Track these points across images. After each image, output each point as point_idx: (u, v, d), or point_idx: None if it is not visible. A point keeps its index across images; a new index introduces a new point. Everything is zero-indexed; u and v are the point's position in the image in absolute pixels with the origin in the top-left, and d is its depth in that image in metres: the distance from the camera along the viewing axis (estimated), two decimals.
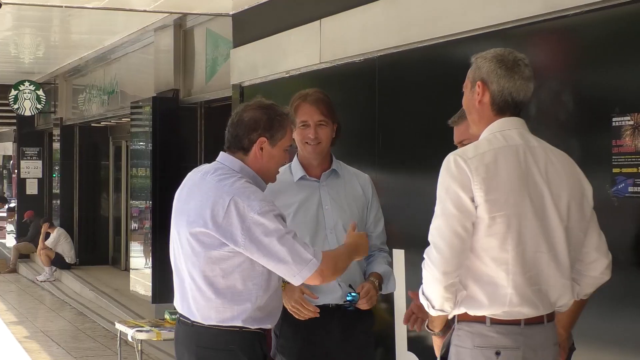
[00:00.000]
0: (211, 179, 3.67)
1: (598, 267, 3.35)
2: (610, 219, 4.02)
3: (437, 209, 3.17)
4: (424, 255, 3.16)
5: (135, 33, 12.83)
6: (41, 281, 16.80)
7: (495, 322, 3.19)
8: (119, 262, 17.04)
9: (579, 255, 3.34)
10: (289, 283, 3.93)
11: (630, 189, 4.32)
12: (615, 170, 4.40)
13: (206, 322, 3.68)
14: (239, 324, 3.65)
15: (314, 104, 4.26)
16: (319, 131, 4.25)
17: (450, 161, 3.16)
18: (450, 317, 3.32)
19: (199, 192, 3.67)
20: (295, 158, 4.35)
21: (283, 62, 8.03)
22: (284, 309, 4.08)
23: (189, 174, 3.84)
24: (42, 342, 11.04)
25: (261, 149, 3.68)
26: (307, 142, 4.27)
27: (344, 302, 4.19)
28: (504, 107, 3.25)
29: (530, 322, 3.20)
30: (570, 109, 4.75)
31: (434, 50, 5.92)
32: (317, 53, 7.37)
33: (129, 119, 13.38)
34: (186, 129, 11.42)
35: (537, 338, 3.22)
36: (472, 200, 3.11)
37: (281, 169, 4.27)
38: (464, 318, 3.24)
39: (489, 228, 3.12)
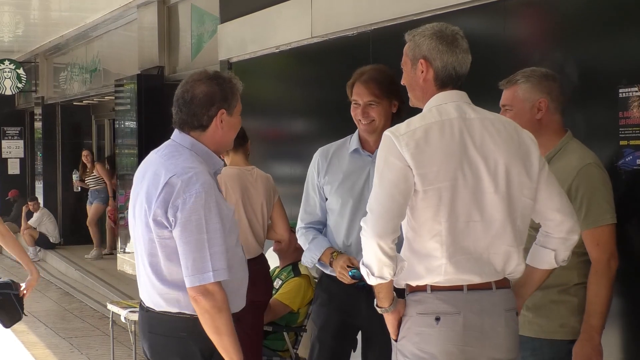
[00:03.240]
0: (159, 157, 3.60)
1: (564, 228, 3.35)
2: (616, 192, 3.95)
3: (376, 179, 3.26)
4: (361, 223, 3.22)
5: (117, 10, 12.71)
6: None
7: (435, 289, 3.27)
8: (103, 241, 16.90)
9: (539, 219, 3.37)
10: (339, 254, 4.30)
11: (639, 161, 4.25)
12: (622, 142, 4.32)
13: (157, 308, 3.58)
14: (187, 311, 3.52)
15: (364, 83, 4.35)
16: (369, 111, 4.35)
17: (385, 137, 3.26)
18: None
19: (149, 172, 3.58)
20: (357, 130, 4.45)
21: (273, 37, 7.91)
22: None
23: (147, 156, 3.73)
24: (30, 323, 10.91)
25: (221, 121, 3.59)
26: (359, 120, 4.38)
27: (353, 281, 4.24)
28: (447, 82, 3.33)
29: (475, 287, 3.27)
30: (575, 81, 4.66)
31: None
32: (309, 27, 7.25)
33: (113, 97, 13.23)
34: (172, 106, 11.26)
35: (483, 303, 3.27)
36: (410, 168, 3.19)
37: (342, 139, 4.50)
38: (410, 289, 3.35)
39: (422, 201, 3.20)
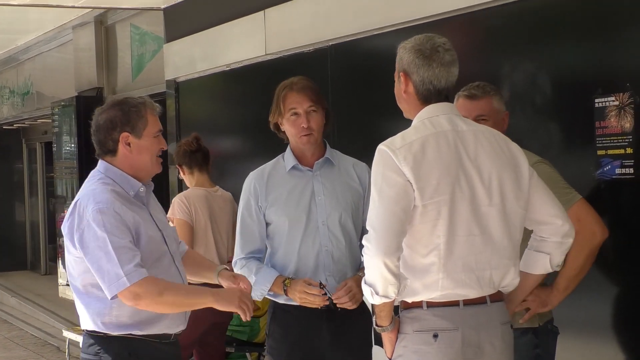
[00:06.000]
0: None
1: (561, 232, 3.35)
2: (596, 203, 3.96)
3: (374, 194, 3.18)
4: (363, 242, 3.17)
5: (51, 31, 12.45)
6: None
7: (432, 305, 3.22)
8: (38, 266, 16.57)
9: (533, 225, 3.36)
10: (292, 280, 4.01)
11: (618, 170, 4.28)
12: (600, 152, 4.35)
13: (82, 327, 3.72)
14: (99, 329, 3.61)
15: (301, 91, 4.11)
16: (310, 119, 4.09)
17: (380, 151, 3.20)
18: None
19: None
20: (288, 148, 4.21)
21: (224, 55, 7.83)
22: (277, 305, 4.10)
23: None
24: None
25: (128, 144, 3.65)
26: (302, 135, 4.09)
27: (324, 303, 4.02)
28: (427, 96, 3.29)
29: (471, 302, 3.24)
30: (551, 92, 4.68)
31: (394, 38, 5.79)
32: (262, 44, 7.19)
33: (49, 120, 12.96)
34: None
35: (479, 318, 3.24)
36: (410, 182, 3.13)
37: (274, 160, 4.22)
38: (405, 306, 3.28)
39: (421, 216, 3.15)
